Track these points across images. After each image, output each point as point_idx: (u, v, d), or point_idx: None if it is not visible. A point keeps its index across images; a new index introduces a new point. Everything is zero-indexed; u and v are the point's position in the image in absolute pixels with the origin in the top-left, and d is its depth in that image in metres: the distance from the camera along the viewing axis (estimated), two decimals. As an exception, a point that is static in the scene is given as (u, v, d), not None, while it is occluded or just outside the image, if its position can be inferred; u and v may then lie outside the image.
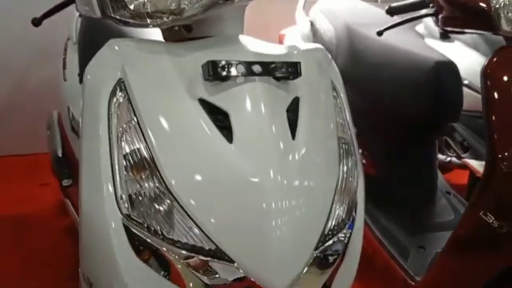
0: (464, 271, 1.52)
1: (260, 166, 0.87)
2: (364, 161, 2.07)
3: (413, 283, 1.69)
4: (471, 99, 2.45)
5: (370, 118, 2.05)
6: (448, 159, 2.60)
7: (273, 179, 0.86)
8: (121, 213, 0.89)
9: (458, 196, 2.16)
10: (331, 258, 0.94)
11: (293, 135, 0.95)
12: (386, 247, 1.88)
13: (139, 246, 0.88)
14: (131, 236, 0.88)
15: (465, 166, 2.46)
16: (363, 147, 1.84)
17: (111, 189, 0.90)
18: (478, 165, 2.35)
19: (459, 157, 2.56)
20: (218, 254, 0.84)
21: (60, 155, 1.93)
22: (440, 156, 2.53)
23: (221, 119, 0.91)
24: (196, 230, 0.85)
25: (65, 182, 1.84)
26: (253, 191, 0.86)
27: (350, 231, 0.99)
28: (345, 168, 1.01)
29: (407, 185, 2.12)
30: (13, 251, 2.10)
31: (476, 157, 2.43)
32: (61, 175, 1.86)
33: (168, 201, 0.87)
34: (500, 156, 1.35)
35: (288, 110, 0.96)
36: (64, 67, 1.98)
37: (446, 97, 1.88)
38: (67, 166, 1.89)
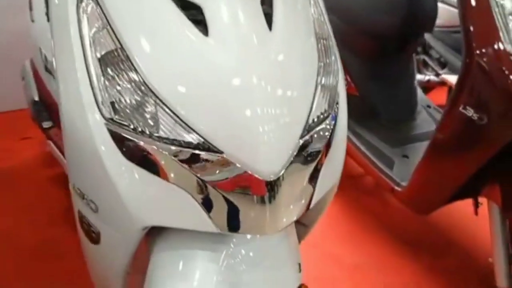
0: (447, 170, 1.56)
1: (241, 63, 0.86)
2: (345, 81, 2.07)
3: (399, 189, 1.75)
4: (446, 14, 2.45)
5: (347, 38, 2.03)
6: (427, 78, 2.61)
7: (256, 82, 0.84)
8: (104, 117, 0.87)
9: (439, 109, 2.19)
10: (316, 147, 0.94)
11: (270, 27, 0.93)
12: (372, 160, 1.92)
13: (125, 147, 0.86)
14: (116, 138, 0.86)
15: (443, 83, 2.49)
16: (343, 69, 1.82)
17: (90, 95, 0.88)
18: (455, 79, 2.37)
19: (437, 75, 2.59)
20: (207, 147, 0.83)
21: (37, 99, 1.90)
22: (419, 76, 2.55)
23: (194, 13, 0.89)
24: (182, 126, 0.84)
25: (46, 125, 1.82)
26: (236, 92, 0.85)
27: (333, 122, 0.99)
28: (326, 60, 1.00)
29: (387, 101, 2.14)
30: (1, 199, 2.10)
31: (453, 71, 2.45)
32: (40, 118, 1.84)
33: (151, 100, 0.85)
34: (477, 52, 1.37)
35: (262, 4, 0.94)
36: (31, 8, 1.92)
37: (420, 7, 1.88)
38: (45, 109, 1.86)
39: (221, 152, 0.83)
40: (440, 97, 2.58)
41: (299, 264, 1.00)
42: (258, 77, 0.85)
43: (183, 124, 0.83)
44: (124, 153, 0.86)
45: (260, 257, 0.95)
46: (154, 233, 0.96)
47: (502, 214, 1.51)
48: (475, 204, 1.67)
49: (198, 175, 0.83)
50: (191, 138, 0.83)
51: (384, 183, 1.80)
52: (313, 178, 0.93)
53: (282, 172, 0.84)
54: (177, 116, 0.84)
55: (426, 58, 2.64)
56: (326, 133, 0.96)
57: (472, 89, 1.40)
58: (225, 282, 0.90)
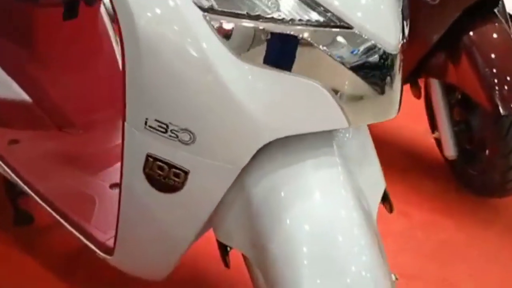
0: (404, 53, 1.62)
1: None
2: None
3: None
4: None
5: None
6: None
7: None
8: (201, 8, 0.71)
9: None
10: None
11: None
12: None
13: (236, 42, 0.71)
14: (222, 32, 0.71)
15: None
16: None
17: None
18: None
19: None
20: (336, 23, 0.72)
21: None
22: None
23: None
24: (305, 3, 0.72)
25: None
26: None
27: None
28: None
29: None
30: None
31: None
32: None
33: None
34: None
35: None
36: None
37: None
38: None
39: (351, 27, 0.73)
40: None
41: None
42: None
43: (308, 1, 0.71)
44: (235, 50, 0.71)
45: (360, 156, 0.88)
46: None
47: (441, 85, 1.65)
48: (415, 89, 1.76)
49: (329, 53, 0.72)
50: (317, 15, 0.71)
51: None
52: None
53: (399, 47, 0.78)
54: None
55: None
56: None
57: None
58: (344, 180, 0.80)
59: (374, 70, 0.74)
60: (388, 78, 0.76)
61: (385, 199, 1.00)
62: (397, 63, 0.77)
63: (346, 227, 0.76)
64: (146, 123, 0.77)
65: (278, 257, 0.75)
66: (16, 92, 1.32)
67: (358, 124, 0.79)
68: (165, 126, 0.76)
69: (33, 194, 1.19)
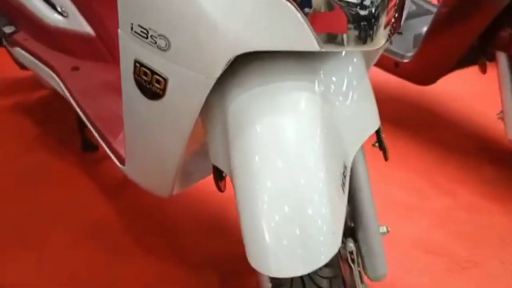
0: (454, 37, 1.55)
1: None
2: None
3: (405, 61, 1.69)
4: None
5: None
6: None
7: None
8: None
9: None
10: None
11: None
12: None
13: None
14: None
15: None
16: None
17: None
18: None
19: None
20: None
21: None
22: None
23: None
24: None
25: (8, 29, 1.63)
26: None
27: None
28: None
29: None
30: None
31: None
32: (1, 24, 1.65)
33: None
34: None
35: None
36: None
37: None
38: (5, 15, 1.67)
39: None
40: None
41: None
42: None
43: None
44: None
45: (348, 90, 0.86)
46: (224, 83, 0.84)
47: (509, 59, 1.52)
48: (482, 65, 1.64)
49: None
50: None
51: (386, 60, 1.69)
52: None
53: None
54: None
55: None
56: None
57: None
58: (328, 116, 0.80)
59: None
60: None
61: (381, 144, 0.97)
62: None
63: (311, 170, 0.74)
64: (132, 28, 0.83)
65: (241, 188, 0.76)
66: (82, 25, 1.48)
67: (330, 49, 0.76)
68: (146, 32, 0.81)
69: (81, 114, 1.35)
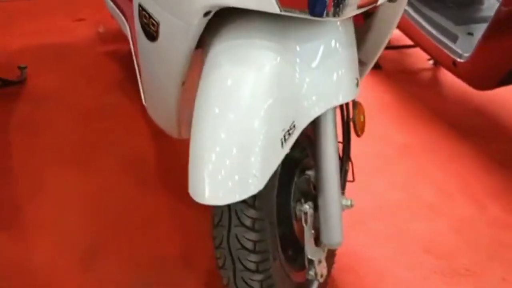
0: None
1: None
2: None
3: (462, 61, 1.63)
4: None
5: None
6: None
7: None
8: None
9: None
10: None
11: None
12: (433, 35, 1.79)
13: None
14: None
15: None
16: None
17: None
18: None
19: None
20: None
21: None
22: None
23: None
24: None
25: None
26: None
27: None
28: None
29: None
30: (58, 70, 2.16)
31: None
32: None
33: None
34: None
35: None
36: None
37: None
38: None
39: None
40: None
41: (357, 79, 0.94)
42: None
43: None
44: None
45: (322, 58, 0.88)
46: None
47: None
48: None
49: None
50: None
51: (445, 57, 1.66)
52: None
53: None
54: None
55: None
56: None
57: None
58: (287, 77, 0.84)
59: None
60: None
61: (354, 119, 1.02)
62: None
63: (254, 123, 0.79)
64: None
65: (194, 128, 0.83)
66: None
67: (289, 14, 0.79)
68: None
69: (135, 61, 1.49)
